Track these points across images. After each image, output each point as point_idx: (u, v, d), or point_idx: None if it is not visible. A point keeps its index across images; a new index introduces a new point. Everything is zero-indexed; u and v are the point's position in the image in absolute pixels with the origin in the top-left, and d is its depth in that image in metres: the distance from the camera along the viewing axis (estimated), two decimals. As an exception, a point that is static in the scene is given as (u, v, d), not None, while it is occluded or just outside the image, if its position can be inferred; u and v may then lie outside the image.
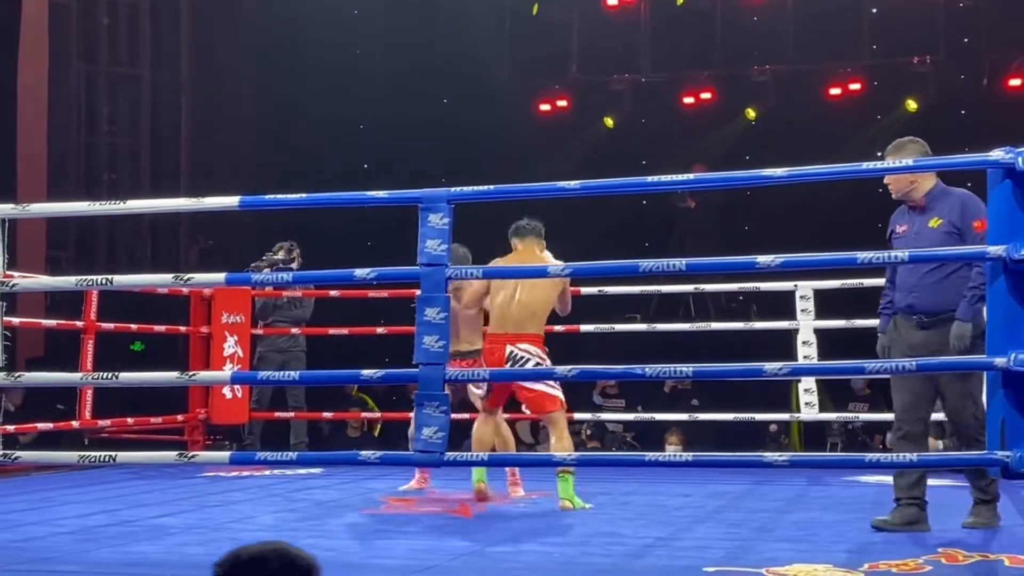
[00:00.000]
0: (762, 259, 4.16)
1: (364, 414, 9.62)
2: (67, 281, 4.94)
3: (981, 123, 10.61)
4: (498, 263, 5.94)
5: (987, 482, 4.98)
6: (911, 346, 4.93)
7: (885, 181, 5.06)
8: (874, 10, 12.04)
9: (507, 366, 5.83)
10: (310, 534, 5.08)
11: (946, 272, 4.91)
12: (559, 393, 6.00)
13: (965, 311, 4.81)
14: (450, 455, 4.44)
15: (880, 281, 7.39)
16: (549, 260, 5.92)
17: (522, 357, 5.90)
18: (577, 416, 9.40)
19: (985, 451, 4.14)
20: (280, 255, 8.26)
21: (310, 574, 1.93)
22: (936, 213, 4.97)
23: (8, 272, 4.71)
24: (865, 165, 4.48)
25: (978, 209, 4.80)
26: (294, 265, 8.19)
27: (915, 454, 4.25)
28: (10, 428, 5.90)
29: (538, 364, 5.89)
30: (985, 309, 4.51)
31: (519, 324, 5.93)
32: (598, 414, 9.50)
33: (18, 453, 4.61)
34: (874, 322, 7.77)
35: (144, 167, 13.31)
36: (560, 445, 5.89)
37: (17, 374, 4.80)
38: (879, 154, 10.47)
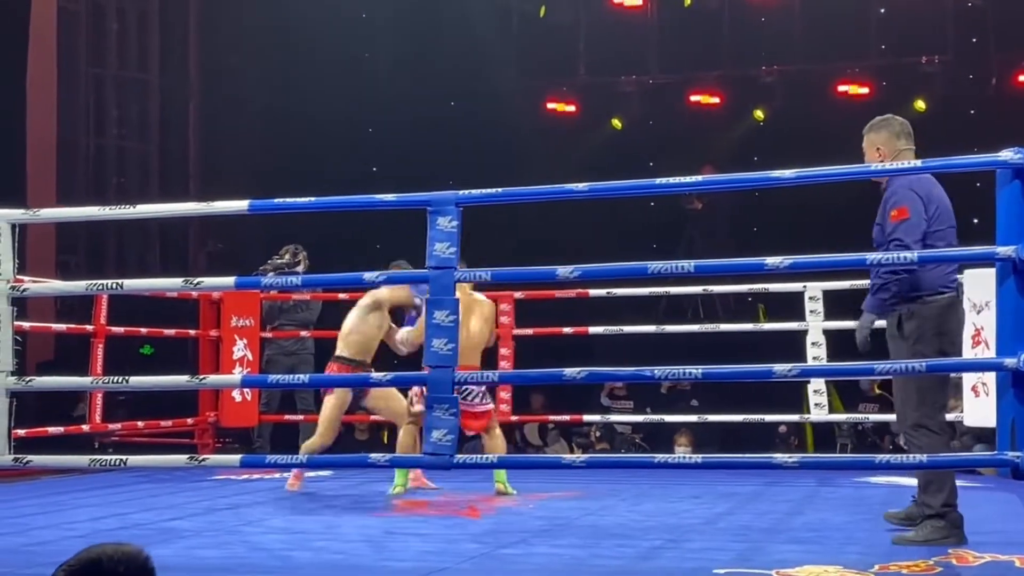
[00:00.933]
0: (771, 260, 4.16)
1: (372, 416, 9.61)
2: (78, 285, 4.96)
3: (990, 123, 10.60)
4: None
5: (940, 501, 4.61)
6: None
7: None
8: (882, 10, 12.02)
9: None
10: (321, 537, 5.09)
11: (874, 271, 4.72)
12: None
13: (868, 302, 4.69)
14: (460, 458, 4.44)
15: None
16: (480, 298, 6.43)
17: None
18: (586, 418, 9.43)
19: (995, 452, 4.13)
20: (286, 259, 8.28)
21: (145, 572, 1.94)
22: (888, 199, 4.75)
23: (18, 276, 4.73)
24: (874, 166, 4.47)
25: (901, 197, 4.61)
26: (300, 268, 8.20)
27: (925, 456, 4.24)
28: (21, 432, 5.91)
29: (482, 394, 6.36)
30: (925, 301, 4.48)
31: (465, 355, 6.00)
32: (607, 416, 9.50)
33: (29, 457, 4.62)
34: (883, 323, 7.80)
35: (153, 171, 13.34)
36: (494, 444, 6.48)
37: (28, 378, 4.81)
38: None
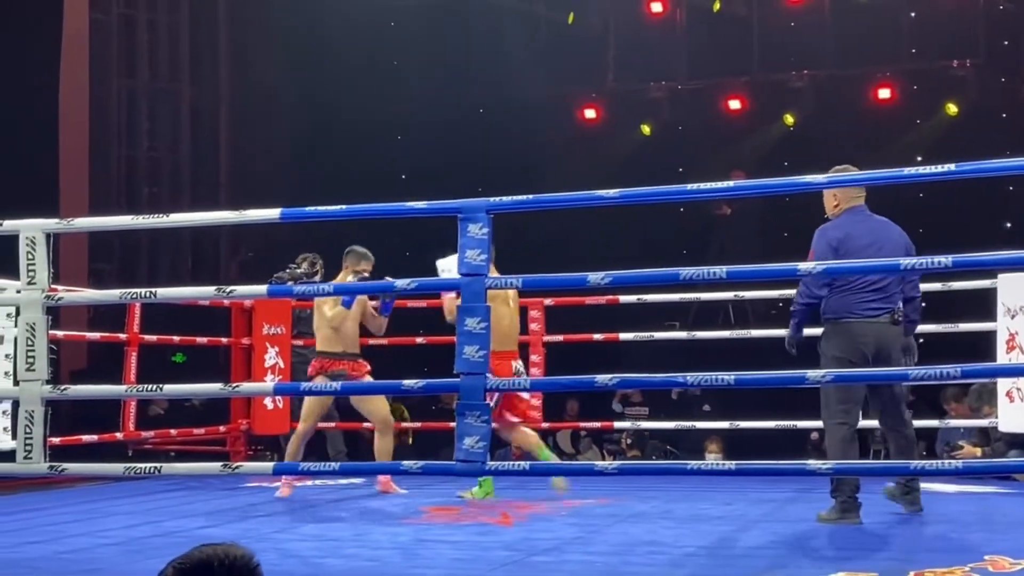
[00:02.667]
0: (803, 266, 4.15)
1: (403, 424, 9.63)
2: (111, 294, 4.99)
3: (1022, 127, 10.52)
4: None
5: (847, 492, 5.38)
6: None
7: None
8: (913, 14, 11.96)
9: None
10: (352, 544, 5.10)
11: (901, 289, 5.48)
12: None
13: (907, 328, 5.52)
14: (492, 465, 4.44)
15: (922, 287, 7.38)
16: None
17: (521, 370, 6.67)
18: (617, 425, 9.40)
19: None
20: (303, 268, 8.29)
21: (254, 575, 1.94)
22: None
23: (53, 286, 4.76)
24: (906, 171, 4.44)
25: (814, 240, 5.41)
26: (317, 277, 8.21)
27: (959, 461, 4.20)
28: (56, 440, 5.95)
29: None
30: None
31: (513, 341, 6.70)
32: (638, 423, 9.47)
33: (64, 465, 4.65)
34: (921, 328, 7.74)
35: (184, 180, 13.42)
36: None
37: (63, 387, 4.84)
38: (919, 159, 10.53)
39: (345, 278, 6.75)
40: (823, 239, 5.40)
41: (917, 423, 8.77)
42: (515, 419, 6.77)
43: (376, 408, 6.83)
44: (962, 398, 8.20)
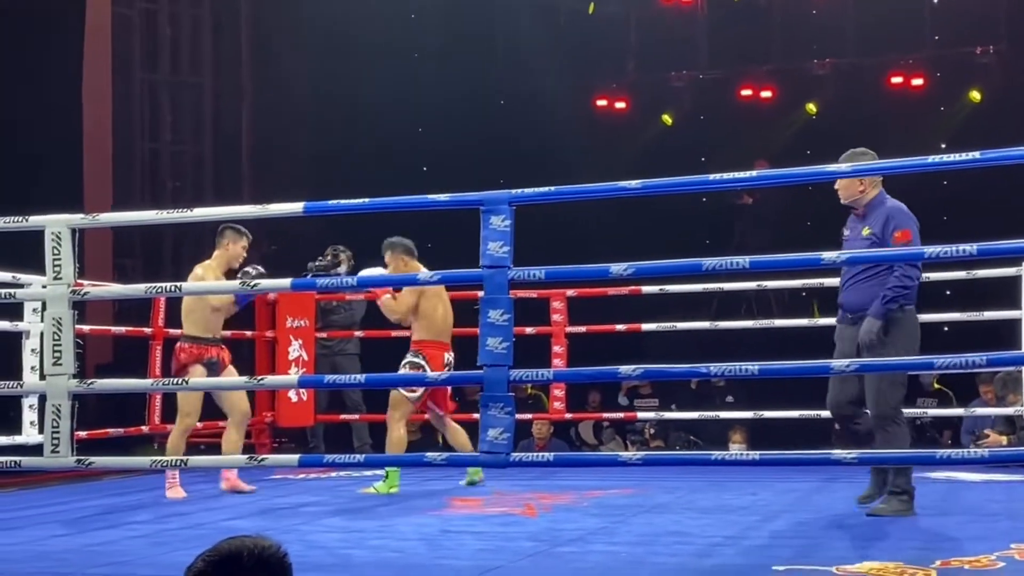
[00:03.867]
0: (827, 255, 4.13)
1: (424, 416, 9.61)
2: (137, 289, 5.02)
3: (1047, 113, 10.45)
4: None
5: (902, 477, 5.36)
6: (841, 339, 5.43)
7: (836, 187, 5.40)
8: (935, 0, 11.88)
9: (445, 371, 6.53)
10: (377, 535, 5.12)
11: (868, 275, 5.29)
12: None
13: (876, 309, 5.20)
14: (516, 456, 4.45)
15: (946, 275, 7.36)
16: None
17: (451, 363, 6.83)
18: (640, 416, 9.40)
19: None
20: (327, 260, 8.32)
21: (282, 567, 1.95)
22: (868, 222, 5.35)
23: (78, 280, 4.79)
24: (931, 158, 4.42)
25: (901, 222, 5.25)
26: (342, 269, 8.23)
27: (986, 450, 4.19)
28: (82, 434, 6.00)
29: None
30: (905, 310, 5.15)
31: (447, 333, 6.91)
32: (662, 413, 9.46)
33: (92, 458, 4.68)
34: (942, 316, 7.72)
35: (207, 174, 13.47)
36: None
37: (90, 381, 4.88)
38: (942, 147, 10.47)
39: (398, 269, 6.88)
40: (909, 215, 5.32)
41: (941, 412, 8.80)
42: (439, 412, 7.01)
43: (237, 400, 6.63)
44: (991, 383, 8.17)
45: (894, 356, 5.09)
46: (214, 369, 6.52)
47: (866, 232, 5.34)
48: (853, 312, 5.40)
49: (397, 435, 6.70)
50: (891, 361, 4.96)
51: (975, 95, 11.54)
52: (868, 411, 5.41)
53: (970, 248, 4.07)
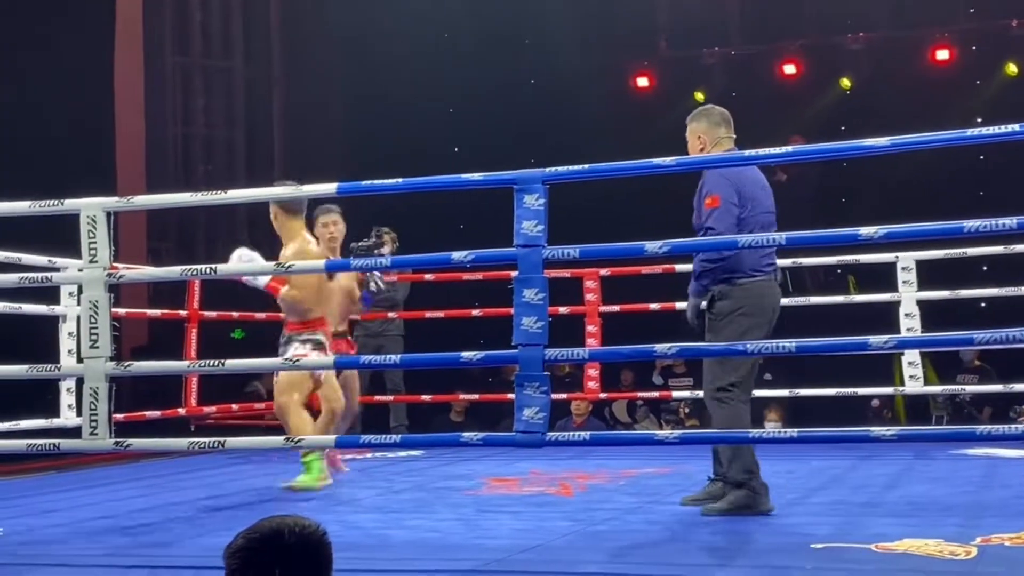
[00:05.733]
0: (864, 231, 4.09)
1: (462, 396, 9.64)
2: (172, 271, 5.04)
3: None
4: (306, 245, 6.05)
5: (735, 465, 4.89)
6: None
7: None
8: (970, -27, 11.75)
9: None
10: (414, 515, 5.13)
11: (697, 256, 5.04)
12: None
13: (692, 286, 5.02)
14: (552, 435, 4.44)
15: (983, 250, 7.29)
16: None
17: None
18: (675, 395, 9.38)
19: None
20: (371, 240, 8.32)
21: (322, 546, 1.95)
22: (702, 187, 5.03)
23: (114, 264, 4.81)
24: (969, 132, 4.36)
25: (713, 185, 4.90)
26: (385, 250, 8.23)
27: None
28: (120, 416, 6.04)
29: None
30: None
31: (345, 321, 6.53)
32: (696, 392, 9.41)
33: (129, 440, 4.70)
34: (979, 292, 7.65)
35: (239, 157, 13.50)
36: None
37: (127, 363, 4.90)
38: (978, 120, 10.35)
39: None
40: (722, 179, 4.91)
41: (980, 388, 8.72)
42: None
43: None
44: None
45: (722, 334, 4.85)
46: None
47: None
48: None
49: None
50: (928, 337, 4.92)
51: (1011, 68, 11.40)
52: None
53: (1010, 222, 4.01)
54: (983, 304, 8.53)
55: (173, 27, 13.17)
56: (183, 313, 7.94)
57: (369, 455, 7.67)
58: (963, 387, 8.62)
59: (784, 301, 8.51)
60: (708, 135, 5.12)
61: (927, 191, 10.57)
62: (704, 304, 5.03)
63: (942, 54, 11.63)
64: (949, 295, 7.50)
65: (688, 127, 5.22)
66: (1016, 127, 4.05)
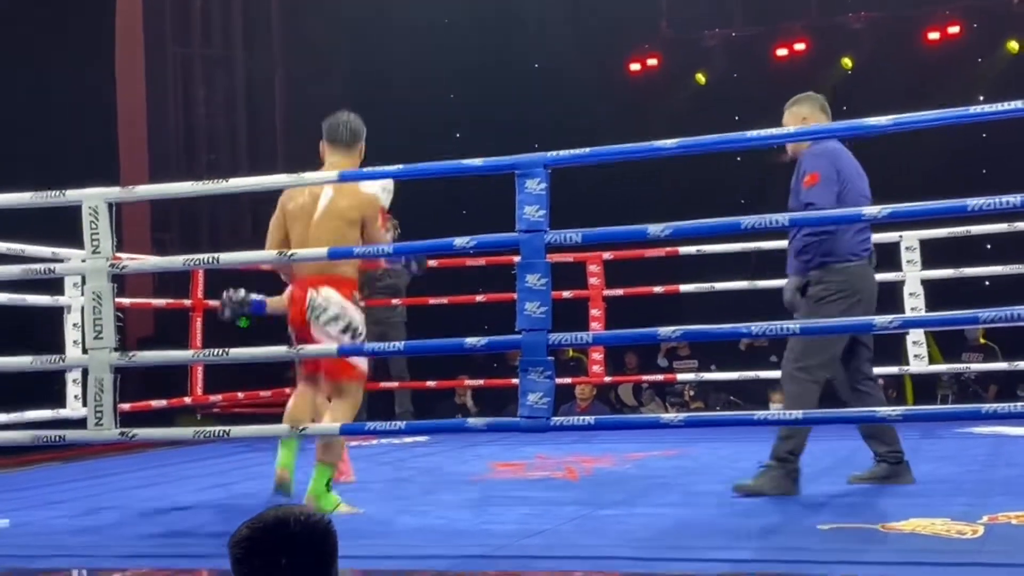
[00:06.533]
0: (868, 210, 4.08)
1: (469, 382, 9.64)
2: (175, 261, 5.03)
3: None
4: (291, 192, 5.02)
5: (888, 447, 5.16)
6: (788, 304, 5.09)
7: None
8: (972, -51, 11.71)
9: (308, 319, 4.89)
10: (420, 502, 5.14)
11: (792, 234, 5.10)
12: (360, 362, 5.02)
13: (791, 265, 5.04)
14: (557, 420, 4.43)
15: (987, 228, 7.27)
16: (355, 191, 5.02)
17: (319, 307, 4.89)
18: (680, 377, 9.38)
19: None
20: None
21: (328, 535, 1.94)
22: (799, 169, 5.10)
23: (117, 254, 4.80)
24: (971, 110, 4.34)
25: (811, 163, 4.98)
26: (388, 237, 8.21)
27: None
28: (126, 406, 6.05)
29: (338, 318, 4.88)
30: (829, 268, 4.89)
31: (320, 266, 4.85)
32: (701, 375, 9.42)
33: (135, 431, 4.70)
34: (983, 270, 7.63)
35: (241, 147, 13.51)
36: (332, 419, 4.90)
37: (131, 353, 4.90)
38: (980, 98, 10.32)
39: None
40: (820, 158, 5.00)
41: (986, 366, 8.71)
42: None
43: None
44: None
45: (822, 314, 4.83)
46: None
47: (793, 182, 5.13)
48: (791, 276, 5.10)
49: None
50: (933, 316, 4.90)
51: (1013, 45, 11.36)
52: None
53: (1014, 199, 4.00)
54: (987, 283, 8.51)
55: (174, 18, 13.16)
56: (187, 303, 7.94)
57: (375, 442, 7.67)
58: (968, 366, 8.61)
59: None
60: (812, 118, 5.19)
61: (929, 170, 10.55)
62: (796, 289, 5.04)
63: (944, 32, 11.59)
64: (953, 274, 7.48)
65: (789, 111, 5.30)
66: (1019, 104, 4.03)
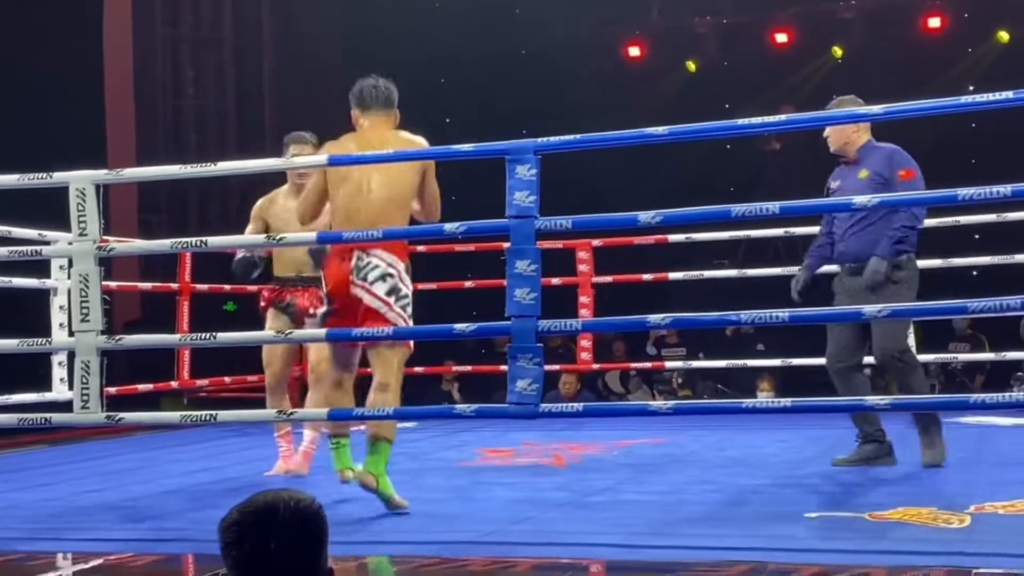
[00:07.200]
0: (859, 199, 4.08)
1: (456, 368, 9.62)
2: (163, 244, 5.01)
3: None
4: (333, 147, 4.85)
5: (867, 424, 5.44)
6: (846, 291, 5.36)
7: (826, 134, 5.51)
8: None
9: (352, 279, 4.61)
10: (408, 488, 5.11)
11: (869, 221, 5.29)
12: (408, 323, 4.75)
13: (884, 248, 5.23)
14: (545, 407, 4.43)
15: (977, 218, 7.28)
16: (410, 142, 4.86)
17: (369, 266, 4.60)
18: (668, 365, 9.39)
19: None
20: None
21: (318, 520, 1.94)
22: (864, 166, 5.38)
23: (104, 237, 4.78)
24: (962, 99, 4.34)
25: (905, 160, 5.33)
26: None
27: (1021, 394, 4.14)
28: (112, 390, 6.02)
29: (388, 276, 4.63)
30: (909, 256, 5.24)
31: (373, 225, 4.60)
32: (689, 363, 9.44)
33: (121, 414, 4.68)
34: (972, 260, 7.63)
35: (230, 129, 13.46)
36: (381, 397, 4.72)
37: (118, 337, 4.88)
38: (970, 88, 10.33)
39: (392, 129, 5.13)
40: (910, 156, 5.38)
41: (972, 356, 8.73)
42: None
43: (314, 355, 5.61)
44: None
45: (904, 298, 5.12)
46: (290, 314, 5.69)
47: (863, 175, 5.34)
48: (856, 261, 5.36)
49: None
50: (922, 306, 4.90)
51: (1003, 35, 11.37)
52: (874, 355, 5.46)
53: (1004, 189, 3.99)
54: (975, 272, 8.52)
55: (162, -1, 13.10)
56: (175, 286, 7.91)
57: (362, 427, 7.65)
58: (955, 355, 8.63)
59: (777, 271, 8.59)
60: (860, 125, 5.39)
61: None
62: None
63: (934, 22, 11.60)
64: (941, 263, 7.49)
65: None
66: (1008, 94, 4.03)
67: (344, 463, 4.87)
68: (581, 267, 8.31)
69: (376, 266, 4.62)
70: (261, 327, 5.98)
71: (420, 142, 4.86)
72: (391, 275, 4.64)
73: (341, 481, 4.78)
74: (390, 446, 4.68)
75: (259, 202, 5.94)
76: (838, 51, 11.97)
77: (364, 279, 4.62)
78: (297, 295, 5.79)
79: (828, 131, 5.48)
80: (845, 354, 5.38)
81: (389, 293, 4.64)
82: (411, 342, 4.87)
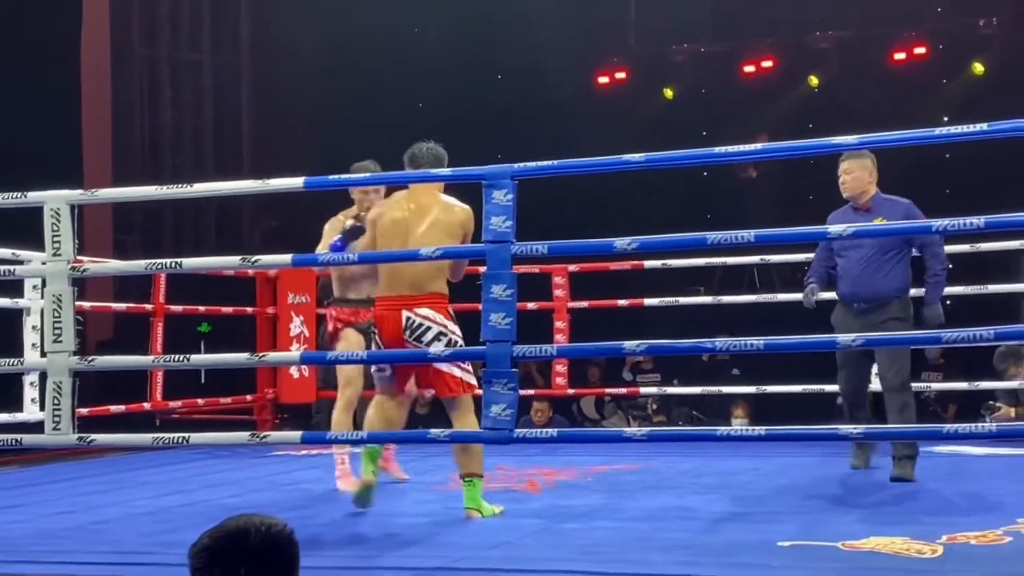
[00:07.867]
0: (835, 228, 4.10)
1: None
2: (137, 265, 4.98)
3: (1050, 85, 10.39)
4: (387, 204, 5.13)
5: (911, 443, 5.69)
6: (847, 329, 5.51)
7: (842, 181, 5.78)
8: (939, -29, 11.82)
9: (405, 338, 4.88)
10: (381, 512, 5.10)
11: (891, 263, 5.68)
12: (469, 376, 4.98)
13: (934, 296, 5.66)
14: (520, 432, 4.42)
15: (949, 248, 7.30)
16: (450, 202, 5.06)
17: (421, 326, 4.87)
18: (643, 391, 9.39)
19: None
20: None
21: (289, 545, 1.93)
22: (880, 215, 5.62)
23: (78, 257, 4.76)
24: (936, 131, 4.38)
25: (919, 215, 5.61)
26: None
27: (993, 424, 4.17)
28: (84, 411, 5.98)
29: (441, 335, 4.87)
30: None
31: (416, 284, 4.88)
32: (664, 388, 9.45)
33: (93, 436, 4.65)
34: (946, 291, 7.67)
35: (207, 150, 13.43)
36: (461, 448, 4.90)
37: (90, 357, 4.85)
38: (945, 119, 10.41)
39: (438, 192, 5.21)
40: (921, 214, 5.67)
41: (945, 386, 8.75)
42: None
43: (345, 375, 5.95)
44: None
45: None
46: (370, 336, 5.38)
47: (880, 223, 5.56)
48: (872, 301, 5.57)
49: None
50: (902, 335, 4.94)
51: (978, 67, 11.47)
52: (881, 383, 5.68)
53: (978, 221, 4.03)
54: (948, 302, 8.55)
55: (141, 19, 13.09)
56: (149, 307, 7.88)
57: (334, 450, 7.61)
58: (928, 384, 8.67)
59: (751, 298, 8.62)
60: (874, 175, 5.79)
61: (893, 190, 10.60)
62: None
63: (910, 53, 11.68)
64: (916, 293, 7.53)
65: (858, 160, 5.77)
66: (983, 126, 4.06)
67: (474, 503, 4.94)
68: (557, 292, 8.33)
69: (429, 328, 4.90)
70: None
71: (464, 208, 5.04)
72: (442, 334, 4.89)
73: (466, 518, 4.88)
74: (481, 480, 4.97)
75: (330, 221, 6.06)
76: (814, 80, 12.05)
77: (420, 340, 4.89)
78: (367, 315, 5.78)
79: (849, 176, 5.73)
80: (859, 393, 5.86)
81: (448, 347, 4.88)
82: (474, 386, 5.03)
